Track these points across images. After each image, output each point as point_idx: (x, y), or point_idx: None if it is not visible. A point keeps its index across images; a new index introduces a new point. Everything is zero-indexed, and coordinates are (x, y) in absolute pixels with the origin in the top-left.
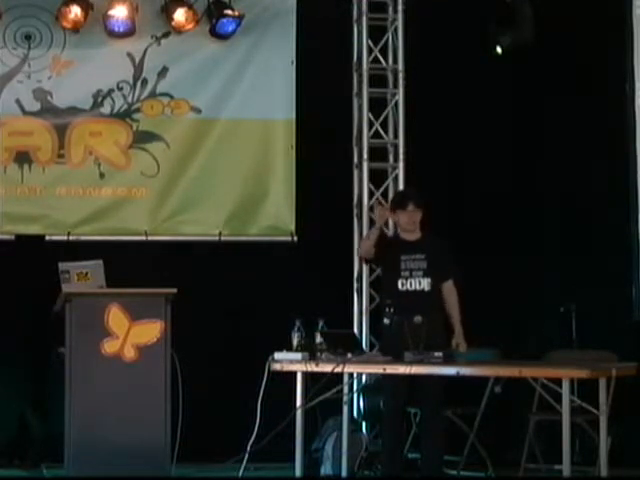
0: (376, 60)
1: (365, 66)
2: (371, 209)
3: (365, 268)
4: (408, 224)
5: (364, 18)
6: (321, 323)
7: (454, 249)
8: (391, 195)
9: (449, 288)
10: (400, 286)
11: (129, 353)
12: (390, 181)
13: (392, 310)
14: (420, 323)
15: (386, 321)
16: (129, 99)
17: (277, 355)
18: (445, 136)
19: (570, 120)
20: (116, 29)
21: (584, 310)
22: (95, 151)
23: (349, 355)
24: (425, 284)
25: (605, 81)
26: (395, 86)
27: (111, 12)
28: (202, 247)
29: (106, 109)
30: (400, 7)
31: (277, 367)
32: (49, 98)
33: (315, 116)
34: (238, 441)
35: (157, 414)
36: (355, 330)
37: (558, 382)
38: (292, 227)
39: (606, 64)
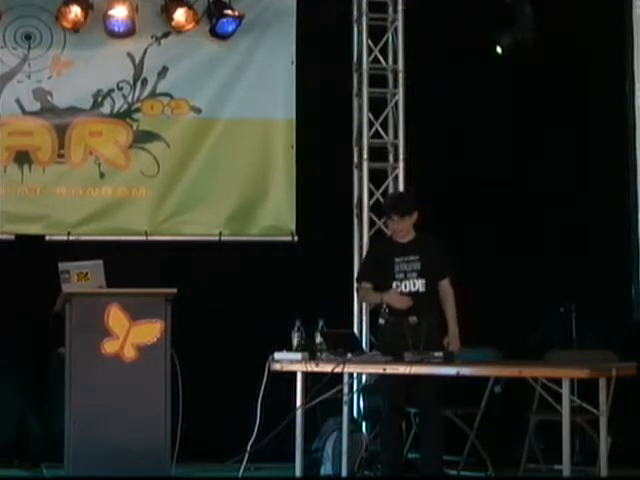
0: (376, 60)
1: (365, 66)
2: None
3: None
4: (395, 232)
5: (364, 18)
6: (321, 323)
7: (453, 249)
8: None
9: (445, 288)
10: (395, 288)
11: (129, 353)
12: (390, 181)
13: (387, 310)
14: (415, 324)
15: (381, 321)
16: (129, 99)
17: (277, 355)
18: (445, 136)
19: (570, 120)
20: (116, 29)
21: (584, 310)
22: (95, 151)
23: (349, 355)
24: (419, 285)
25: (605, 81)
26: (395, 86)
27: (111, 12)
28: (202, 247)
29: (106, 109)
30: (400, 7)
31: (277, 367)
32: (49, 98)
33: (315, 116)
34: (238, 441)
35: (157, 414)
36: (355, 330)
37: (558, 382)
38: (292, 227)
39: (606, 64)
